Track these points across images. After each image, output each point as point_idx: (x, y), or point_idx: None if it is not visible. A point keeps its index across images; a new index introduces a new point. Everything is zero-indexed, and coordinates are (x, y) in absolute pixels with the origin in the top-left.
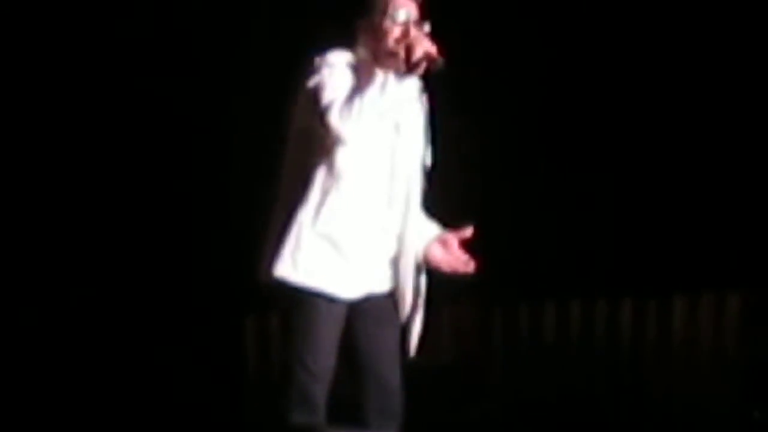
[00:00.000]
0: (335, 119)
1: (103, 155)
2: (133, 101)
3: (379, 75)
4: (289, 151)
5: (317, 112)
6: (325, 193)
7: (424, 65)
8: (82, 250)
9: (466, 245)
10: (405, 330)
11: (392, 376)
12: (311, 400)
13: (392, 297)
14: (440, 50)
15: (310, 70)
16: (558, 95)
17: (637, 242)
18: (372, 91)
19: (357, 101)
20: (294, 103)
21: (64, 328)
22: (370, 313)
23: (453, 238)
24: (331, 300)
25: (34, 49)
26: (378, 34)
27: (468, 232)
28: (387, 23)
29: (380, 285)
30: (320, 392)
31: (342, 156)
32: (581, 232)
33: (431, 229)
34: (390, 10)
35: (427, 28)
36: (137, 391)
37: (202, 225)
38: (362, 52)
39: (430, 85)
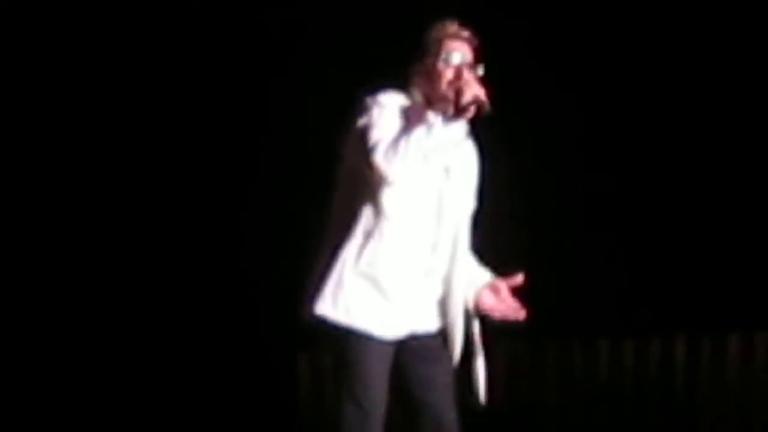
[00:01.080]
0: (380, 159)
1: (168, 192)
2: (200, 143)
3: (428, 117)
4: (338, 190)
5: (363, 151)
6: (369, 234)
7: (473, 109)
8: (145, 281)
9: (517, 292)
10: (470, 378)
11: (447, 412)
12: (369, 429)
13: (441, 335)
14: (490, 95)
15: (361, 109)
16: (610, 132)
17: (690, 280)
18: (418, 133)
19: (403, 142)
20: (344, 143)
21: (119, 353)
22: (419, 352)
23: (504, 285)
24: (374, 338)
25: (51, 52)
26: (431, 76)
27: (519, 279)
28: (440, 65)
29: (425, 325)
30: (374, 430)
31: (388, 197)
32: (634, 270)
33: (482, 275)
34: (444, 53)
35: (480, 71)
36: (191, 427)
37: (259, 261)
38: (416, 94)
39: (479, 129)
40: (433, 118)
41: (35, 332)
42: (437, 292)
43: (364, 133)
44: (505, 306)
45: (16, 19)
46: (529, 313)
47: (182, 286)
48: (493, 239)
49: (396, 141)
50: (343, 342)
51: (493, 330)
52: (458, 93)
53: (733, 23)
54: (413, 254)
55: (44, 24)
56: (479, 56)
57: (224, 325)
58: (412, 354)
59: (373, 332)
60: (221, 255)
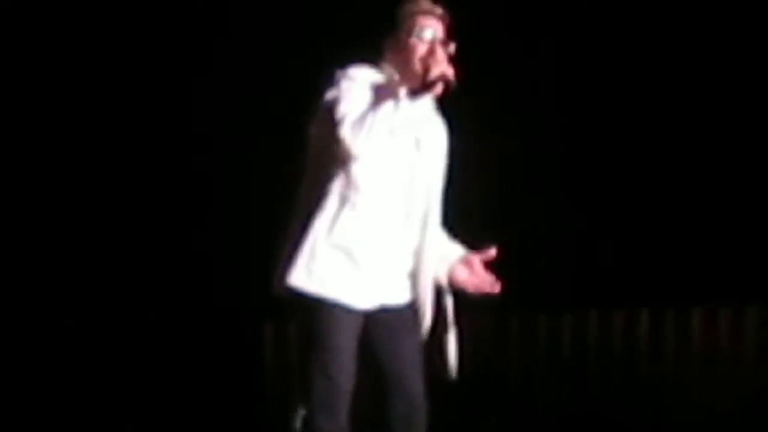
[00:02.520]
0: (346, 133)
1: (127, 162)
2: (155, 111)
3: (396, 92)
4: (306, 162)
5: (331, 124)
6: (341, 205)
7: (439, 86)
8: (104, 256)
9: (490, 266)
10: (441, 351)
11: (415, 386)
12: (333, 408)
13: (411, 309)
14: (458, 72)
15: (330, 82)
16: (578, 107)
17: (655, 253)
18: (385, 108)
19: (369, 117)
20: (313, 115)
21: (82, 332)
22: (389, 324)
23: (477, 259)
24: (346, 309)
25: (57, 53)
26: (404, 51)
27: (492, 252)
28: (413, 41)
29: (396, 297)
30: (342, 400)
31: (358, 169)
32: (599, 243)
33: (455, 250)
34: (417, 28)
35: (452, 49)
36: (154, 397)
37: (222, 233)
38: (387, 69)
39: (448, 104)
40: (402, 93)
41: (24, 329)
42: (408, 265)
43: (332, 106)
44: (479, 279)
45: (13, 20)
46: (502, 287)
47: (148, 257)
48: (464, 214)
49: (363, 115)
50: (315, 313)
51: (460, 303)
52: (426, 69)
53: (732, 22)
54: (385, 226)
55: (28, 27)
56: (451, 33)
57: (189, 298)
58: (381, 326)
59: (346, 302)
60: (188, 227)
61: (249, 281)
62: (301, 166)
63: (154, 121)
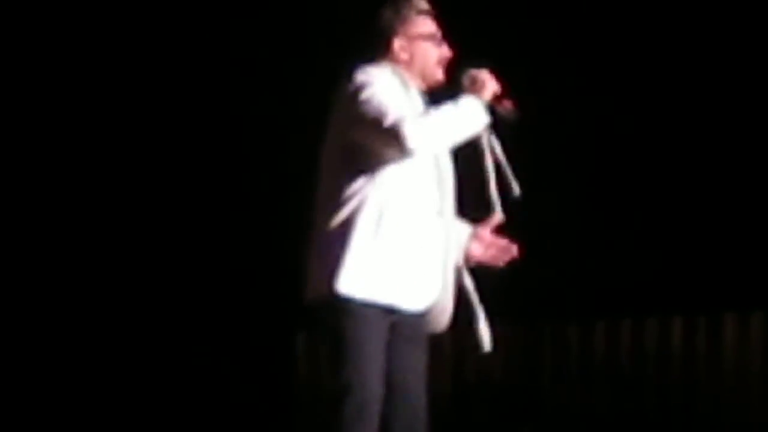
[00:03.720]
0: (410, 131)
1: (161, 171)
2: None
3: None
4: (328, 166)
5: (385, 126)
6: (382, 208)
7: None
8: (135, 264)
9: (499, 232)
10: (473, 329)
11: (420, 394)
12: (368, 419)
13: (423, 318)
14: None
15: (358, 85)
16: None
17: (687, 260)
18: (450, 111)
19: (434, 118)
20: (341, 120)
21: (116, 336)
22: (402, 331)
23: (486, 231)
24: (391, 312)
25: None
26: (415, 54)
27: (497, 217)
28: (424, 44)
29: (437, 295)
30: (377, 411)
31: (395, 169)
32: (631, 251)
33: (463, 230)
34: (423, 30)
35: (447, 51)
36: (187, 405)
37: (256, 243)
38: (395, 69)
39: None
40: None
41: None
42: (442, 262)
43: (379, 109)
44: (495, 249)
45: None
46: (519, 248)
47: (179, 269)
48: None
49: (428, 116)
50: (357, 319)
51: (491, 312)
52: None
53: (732, 22)
54: (424, 222)
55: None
56: (442, 30)
57: (221, 308)
58: (397, 333)
59: (396, 305)
60: (218, 238)
61: (281, 290)
62: (320, 171)
63: (189, 125)
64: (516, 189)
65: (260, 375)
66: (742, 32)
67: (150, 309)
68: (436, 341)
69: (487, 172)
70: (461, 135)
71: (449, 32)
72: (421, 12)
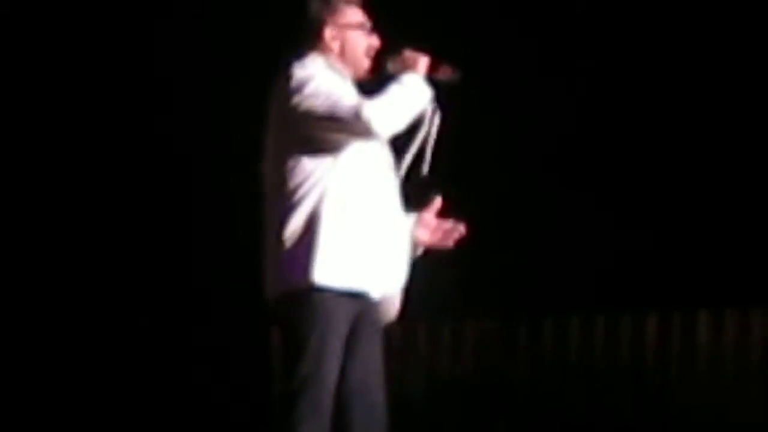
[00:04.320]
0: (371, 114)
1: (145, 169)
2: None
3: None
4: (280, 164)
5: (342, 114)
6: (344, 196)
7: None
8: (118, 260)
9: (442, 215)
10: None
11: (379, 389)
12: (322, 413)
13: (378, 308)
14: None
15: (299, 82)
16: (590, 110)
17: (662, 256)
18: (403, 90)
19: (388, 98)
20: (278, 121)
21: (93, 334)
22: (365, 321)
23: (429, 215)
24: (360, 299)
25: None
26: (345, 43)
27: (437, 202)
28: (353, 34)
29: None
30: (330, 406)
31: (351, 158)
32: (606, 247)
33: (408, 218)
34: (351, 19)
35: (376, 41)
36: (161, 403)
37: (227, 239)
38: (329, 59)
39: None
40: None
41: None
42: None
43: (327, 98)
44: (441, 232)
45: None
46: (466, 227)
47: (157, 266)
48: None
49: (382, 98)
50: (321, 311)
51: (464, 308)
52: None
53: (732, 22)
54: (387, 209)
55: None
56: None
57: (196, 302)
58: (360, 323)
59: (371, 292)
60: (191, 232)
61: (256, 285)
62: (264, 166)
63: (175, 124)
64: (425, 169)
65: (235, 369)
66: (742, 29)
67: (126, 304)
68: (410, 338)
69: (427, 146)
70: (414, 111)
71: (377, 22)
72: (350, 2)
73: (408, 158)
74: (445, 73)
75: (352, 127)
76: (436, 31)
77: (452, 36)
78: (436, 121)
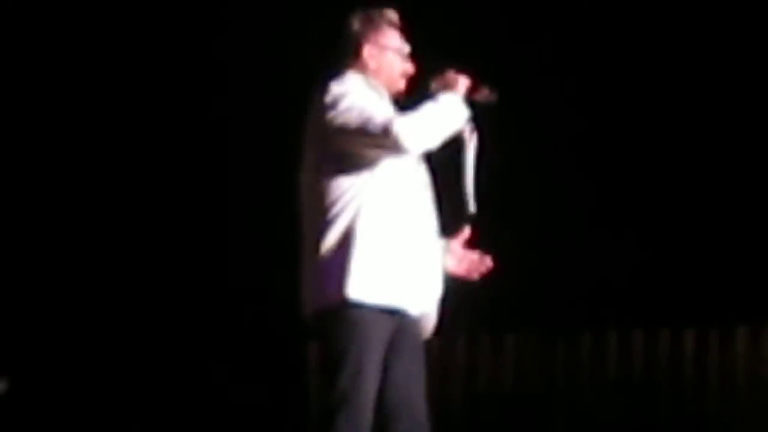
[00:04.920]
0: (401, 129)
1: (177, 181)
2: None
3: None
4: (316, 179)
5: (375, 130)
6: (380, 212)
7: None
8: (155, 272)
9: (470, 245)
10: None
11: (422, 404)
12: (361, 429)
13: (419, 322)
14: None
15: (335, 98)
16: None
17: (699, 273)
18: (436, 109)
19: (425, 116)
20: (314, 136)
21: (130, 350)
22: (404, 337)
23: (456, 245)
24: (397, 316)
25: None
26: (383, 65)
27: (466, 232)
28: (389, 57)
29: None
30: (369, 421)
31: (386, 175)
32: (645, 263)
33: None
34: (392, 41)
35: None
36: (200, 421)
37: (264, 255)
38: (368, 79)
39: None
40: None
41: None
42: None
43: (362, 113)
44: (467, 263)
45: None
46: (493, 260)
47: (194, 279)
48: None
49: (415, 115)
50: (361, 327)
51: (504, 322)
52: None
53: (732, 23)
54: (422, 226)
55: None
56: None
57: (234, 318)
58: (400, 339)
59: (408, 308)
60: (231, 247)
61: (293, 300)
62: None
63: (217, 138)
64: (472, 206)
65: (273, 386)
66: (741, 30)
67: (164, 317)
68: (448, 352)
69: (466, 168)
70: (448, 130)
71: (415, 49)
72: (391, 24)
73: (467, 188)
74: (484, 95)
75: (383, 141)
76: (476, 55)
77: (490, 61)
78: (474, 141)
